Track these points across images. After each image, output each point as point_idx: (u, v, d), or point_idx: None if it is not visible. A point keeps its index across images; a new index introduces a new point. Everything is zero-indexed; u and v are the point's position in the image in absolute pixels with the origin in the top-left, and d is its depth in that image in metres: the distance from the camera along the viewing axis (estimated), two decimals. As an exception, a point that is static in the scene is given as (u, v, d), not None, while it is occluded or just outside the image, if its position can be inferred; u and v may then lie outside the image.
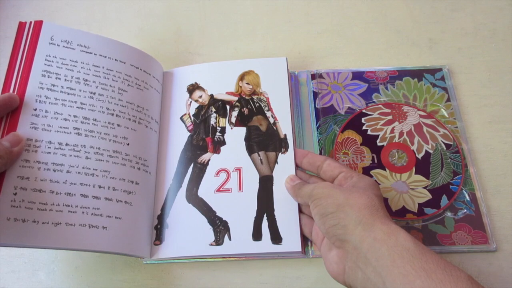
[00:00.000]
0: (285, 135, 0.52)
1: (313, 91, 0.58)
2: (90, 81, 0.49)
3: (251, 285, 0.48)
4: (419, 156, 0.52)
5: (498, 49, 0.61)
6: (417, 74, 0.59)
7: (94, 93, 0.48)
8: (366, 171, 0.52)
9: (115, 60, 0.51)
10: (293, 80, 0.59)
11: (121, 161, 0.47)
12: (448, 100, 0.56)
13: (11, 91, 0.45)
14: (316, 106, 0.57)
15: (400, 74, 0.59)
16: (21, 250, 0.50)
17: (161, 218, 0.49)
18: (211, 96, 0.55)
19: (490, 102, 0.57)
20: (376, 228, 0.37)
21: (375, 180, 0.51)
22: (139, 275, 0.49)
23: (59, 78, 0.47)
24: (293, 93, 0.58)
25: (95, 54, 0.50)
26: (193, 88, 0.56)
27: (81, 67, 0.49)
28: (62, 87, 0.47)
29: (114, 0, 0.69)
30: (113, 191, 0.46)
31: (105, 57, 0.51)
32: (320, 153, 0.53)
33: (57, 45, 0.49)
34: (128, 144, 0.48)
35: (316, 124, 0.55)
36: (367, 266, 0.36)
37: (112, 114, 0.48)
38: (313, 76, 0.59)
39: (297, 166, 0.51)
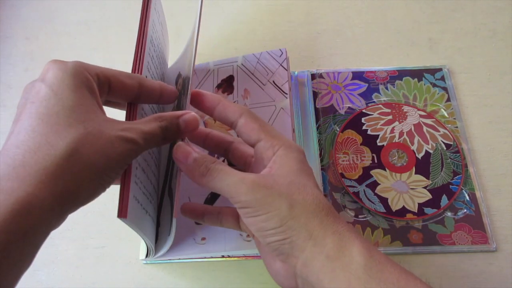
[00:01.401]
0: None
1: (313, 91, 0.58)
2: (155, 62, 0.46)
3: (251, 285, 0.48)
4: (419, 156, 0.52)
5: (498, 49, 0.61)
6: (417, 74, 0.59)
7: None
8: (366, 170, 0.52)
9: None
10: (293, 80, 0.59)
11: None
12: (448, 100, 0.56)
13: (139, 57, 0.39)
14: (316, 106, 0.57)
15: (400, 74, 0.59)
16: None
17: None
18: None
19: (490, 102, 0.57)
20: (328, 241, 0.31)
21: (371, 183, 0.51)
22: (139, 275, 0.49)
23: (155, 51, 0.43)
24: (293, 93, 0.58)
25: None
26: None
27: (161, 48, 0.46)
28: (154, 62, 0.43)
29: (114, 0, 0.69)
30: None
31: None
32: (320, 154, 0.53)
33: (157, 12, 0.44)
34: None
35: (316, 124, 0.55)
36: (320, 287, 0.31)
37: None
38: (313, 76, 0.59)
39: (210, 115, 0.40)
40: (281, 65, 0.54)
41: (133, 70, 0.38)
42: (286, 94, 0.51)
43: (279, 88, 0.52)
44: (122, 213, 0.32)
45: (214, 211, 0.41)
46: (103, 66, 0.34)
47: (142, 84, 0.35)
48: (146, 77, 0.39)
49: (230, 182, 0.33)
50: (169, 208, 0.41)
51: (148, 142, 0.32)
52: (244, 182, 0.32)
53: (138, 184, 0.36)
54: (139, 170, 0.36)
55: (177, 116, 0.35)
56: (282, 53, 0.54)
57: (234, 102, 0.44)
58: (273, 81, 0.53)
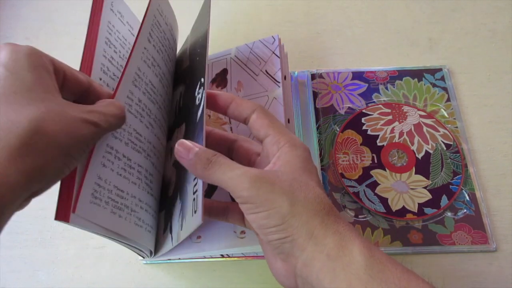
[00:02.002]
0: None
1: (313, 91, 0.58)
2: (168, 62, 0.46)
3: (251, 285, 0.48)
4: (419, 156, 0.52)
5: (498, 49, 0.61)
6: (417, 74, 0.59)
7: (165, 77, 0.46)
8: (366, 171, 0.52)
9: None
10: (293, 80, 0.59)
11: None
12: (448, 100, 0.56)
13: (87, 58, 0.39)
14: (316, 106, 0.57)
15: (400, 74, 0.59)
16: (21, 250, 0.50)
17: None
18: None
19: (490, 102, 0.57)
20: (329, 241, 0.31)
21: (371, 183, 0.51)
22: (139, 275, 0.49)
23: (116, 52, 0.42)
24: (293, 93, 0.58)
25: (172, 39, 0.47)
26: None
27: (166, 45, 0.46)
28: (117, 63, 0.42)
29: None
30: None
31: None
32: (320, 154, 0.53)
33: (115, 14, 0.44)
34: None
35: (316, 124, 0.55)
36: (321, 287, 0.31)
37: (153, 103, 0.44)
38: (313, 76, 0.59)
39: (224, 115, 0.41)
40: (273, 52, 0.52)
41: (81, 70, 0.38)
42: (279, 82, 0.50)
43: (272, 77, 0.51)
44: (61, 216, 0.32)
45: (220, 206, 0.41)
46: None
47: (91, 83, 0.35)
48: (101, 79, 0.39)
49: (232, 175, 0.33)
50: (178, 213, 0.41)
51: (110, 125, 0.32)
52: (246, 176, 0.32)
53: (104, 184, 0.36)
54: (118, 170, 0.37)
55: (104, 91, 0.36)
56: (275, 40, 0.53)
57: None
58: (266, 70, 0.51)
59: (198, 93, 0.41)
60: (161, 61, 0.45)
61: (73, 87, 0.33)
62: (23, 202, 0.28)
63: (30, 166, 0.26)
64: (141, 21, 0.42)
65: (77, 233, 0.51)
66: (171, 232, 0.42)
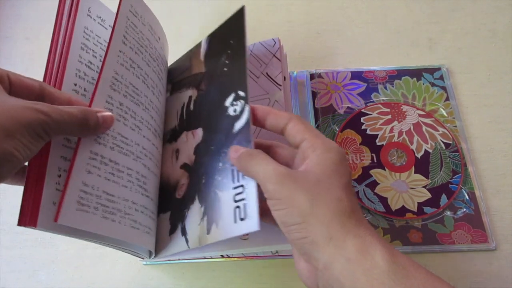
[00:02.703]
0: None
1: (312, 91, 0.58)
2: (151, 62, 0.46)
3: (251, 285, 0.48)
4: (419, 155, 0.52)
5: (498, 49, 0.61)
6: (416, 73, 0.59)
7: (149, 77, 0.46)
8: (366, 170, 0.52)
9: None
10: (292, 80, 0.59)
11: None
12: (447, 99, 0.56)
13: (55, 64, 0.39)
14: (315, 106, 0.57)
15: (399, 74, 0.59)
16: (21, 250, 0.50)
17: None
18: None
19: (490, 102, 0.57)
20: (349, 245, 0.31)
21: (370, 182, 0.51)
22: (139, 275, 0.49)
23: (95, 57, 0.43)
24: (292, 93, 0.58)
25: (154, 38, 0.48)
26: None
27: (147, 45, 0.46)
28: (97, 66, 0.43)
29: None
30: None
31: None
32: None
33: (94, 19, 0.44)
34: (160, 138, 0.47)
35: (315, 124, 0.55)
36: None
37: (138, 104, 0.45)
38: (312, 76, 0.59)
39: (262, 127, 0.42)
40: (274, 55, 0.52)
41: (45, 77, 0.38)
42: (280, 85, 0.50)
43: (273, 79, 0.51)
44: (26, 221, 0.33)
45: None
46: None
47: (44, 88, 0.35)
48: (76, 84, 0.39)
49: (265, 169, 0.34)
50: (197, 217, 0.41)
51: (64, 120, 0.32)
52: (275, 171, 0.34)
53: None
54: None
55: (96, 111, 0.36)
56: (275, 42, 0.53)
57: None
58: (267, 73, 0.52)
59: (234, 105, 0.42)
60: (141, 61, 0.45)
61: (22, 92, 0.34)
62: None
63: None
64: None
65: (77, 233, 0.51)
66: (184, 234, 0.42)
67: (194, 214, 0.42)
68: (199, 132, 0.46)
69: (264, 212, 0.39)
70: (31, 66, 0.63)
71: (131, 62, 0.43)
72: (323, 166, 0.35)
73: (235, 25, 0.46)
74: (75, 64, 0.40)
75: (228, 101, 0.43)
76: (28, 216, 0.32)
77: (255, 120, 0.40)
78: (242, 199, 0.38)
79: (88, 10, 0.43)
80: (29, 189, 0.33)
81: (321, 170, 0.34)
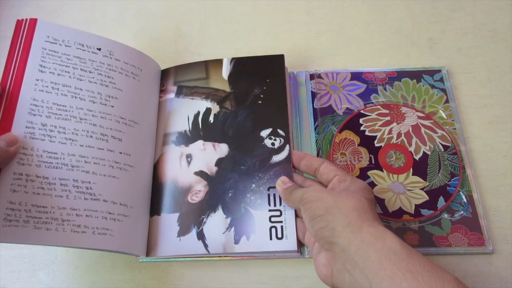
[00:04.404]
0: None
1: (312, 91, 0.58)
2: (84, 76, 0.49)
3: (251, 285, 0.48)
4: (417, 157, 0.53)
5: (498, 49, 0.61)
6: (416, 75, 0.58)
7: (84, 90, 0.49)
8: (364, 171, 0.52)
9: (110, 57, 0.52)
10: (292, 80, 0.59)
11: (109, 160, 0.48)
12: (447, 101, 0.56)
13: (7, 87, 0.46)
14: (314, 106, 0.57)
15: (399, 75, 0.59)
16: (21, 250, 0.51)
17: None
18: None
19: (490, 102, 0.57)
20: (364, 231, 0.37)
21: (368, 184, 0.52)
22: (139, 275, 0.49)
23: (53, 73, 0.48)
24: (292, 93, 0.58)
25: (89, 51, 0.51)
26: None
27: (76, 62, 0.50)
28: (58, 84, 0.48)
29: (114, 0, 0.69)
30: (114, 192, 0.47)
31: (100, 54, 0.52)
32: (318, 154, 0.54)
33: (53, 43, 0.49)
34: (120, 140, 0.49)
35: (314, 124, 0.55)
36: (354, 268, 0.36)
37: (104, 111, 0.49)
38: (312, 76, 0.59)
39: (294, 168, 0.50)
40: None
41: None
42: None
43: None
44: None
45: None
46: None
47: None
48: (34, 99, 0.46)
49: (299, 193, 0.44)
50: (221, 226, 0.48)
51: None
52: (311, 188, 0.44)
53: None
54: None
55: None
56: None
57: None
58: None
59: (272, 139, 0.51)
60: (68, 80, 0.48)
61: None
62: None
63: None
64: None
65: (77, 233, 0.52)
66: (201, 239, 0.48)
67: (217, 223, 0.48)
68: (224, 147, 0.52)
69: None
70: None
71: (53, 85, 0.47)
72: (350, 188, 0.43)
73: (272, 67, 0.55)
74: (32, 86, 0.46)
75: (264, 133, 0.52)
76: None
77: (292, 163, 0.50)
78: (279, 222, 0.47)
79: (47, 37, 0.49)
80: None
81: (347, 188, 0.43)
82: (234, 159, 0.51)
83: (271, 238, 0.46)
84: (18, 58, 0.47)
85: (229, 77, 0.56)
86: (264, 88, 0.54)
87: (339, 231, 0.38)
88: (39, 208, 0.42)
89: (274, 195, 0.49)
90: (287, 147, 0.50)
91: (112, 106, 0.50)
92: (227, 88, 0.55)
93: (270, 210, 0.48)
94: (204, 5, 0.68)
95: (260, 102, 0.54)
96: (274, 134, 0.52)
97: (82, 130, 0.47)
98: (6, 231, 0.40)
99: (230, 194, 0.49)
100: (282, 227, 0.47)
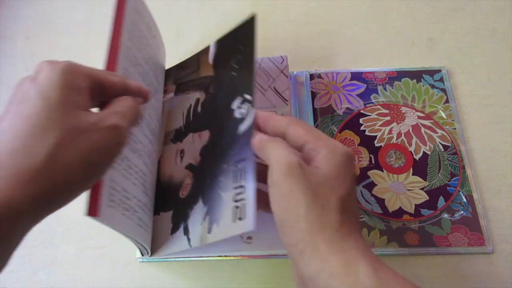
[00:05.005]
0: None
1: (312, 91, 0.58)
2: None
3: (251, 285, 0.48)
4: (417, 157, 0.53)
5: (498, 49, 0.61)
6: (416, 75, 0.58)
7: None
8: (364, 171, 0.52)
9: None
10: (292, 80, 0.59)
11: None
12: (447, 101, 0.56)
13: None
14: (314, 106, 0.57)
15: (399, 75, 0.59)
16: (21, 250, 0.50)
17: None
18: None
19: (490, 102, 0.57)
20: (333, 259, 0.30)
21: (368, 184, 0.51)
22: (139, 275, 0.49)
23: (140, 49, 0.45)
24: (292, 93, 0.58)
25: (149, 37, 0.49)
26: None
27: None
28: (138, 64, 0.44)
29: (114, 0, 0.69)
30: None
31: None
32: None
33: (139, 12, 0.46)
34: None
35: (314, 124, 0.55)
36: None
37: None
38: (312, 76, 0.59)
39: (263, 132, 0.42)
40: (282, 72, 0.55)
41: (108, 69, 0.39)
42: (287, 100, 0.52)
43: (280, 94, 0.53)
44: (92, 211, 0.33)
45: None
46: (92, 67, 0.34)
47: (125, 81, 0.36)
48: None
49: (279, 153, 0.34)
50: (199, 217, 0.42)
51: (130, 120, 0.33)
52: (287, 159, 0.33)
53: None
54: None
55: (137, 86, 0.37)
56: (283, 60, 0.55)
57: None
58: (274, 87, 0.54)
59: (240, 108, 0.43)
60: (141, 59, 0.45)
61: (111, 93, 0.34)
62: (34, 223, 0.29)
63: (40, 192, 0.27)
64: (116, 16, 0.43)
65: (77, 233, 0.51)
66: (186, 234, 0.44)
67: (197, 214, 0.43)
68: (206, 134, 0.47)
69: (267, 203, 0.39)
70: (31, 66, 0.62)
71: (135, 60, 0.43)
72: (327, 171, 0.34)
73: (245, 32, 0.47)
74: (124, 60, 0.41)
75: (235, 104, 0.44)
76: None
77: (257, 125, 0.40)
78: (242, 199, 0.38)
79: (135, 5, 0.45)
80: None
81: (324, 174, 0.34)
82: (213, 143, 0.46)
83: (234, 220, 0.39)
84: (120, 27, 0.42)
85: (213, 60, 0.52)
86: (238, 57, 0.48)
87: (308, 257, 0.31)
88: (125, 193, 0.39)
89: (241, 170, 0.40)
90: (252, 111, 0.41)
91: (155, 100, 0.48)
92: (212, 72, 0.51)
93: (234, 188, 0.40)
94: (204, 5, 0.68)
95: (234, 73, 0.47)
96: (242, 102, 0.44)
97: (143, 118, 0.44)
98: (109, 212, 0.35)
99: (207, 181, 0.44)
100: (243, 205, 0.39)
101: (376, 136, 0.54)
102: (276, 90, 0.54)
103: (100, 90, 0.33)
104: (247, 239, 0.47)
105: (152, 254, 0.47)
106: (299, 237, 0.32)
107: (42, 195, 0.27)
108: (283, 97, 0.53)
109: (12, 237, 0.27)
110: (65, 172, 0.28)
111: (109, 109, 0.33)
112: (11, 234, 0.26)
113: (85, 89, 0.31)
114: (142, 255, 0.47)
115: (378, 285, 0.29)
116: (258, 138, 0.37)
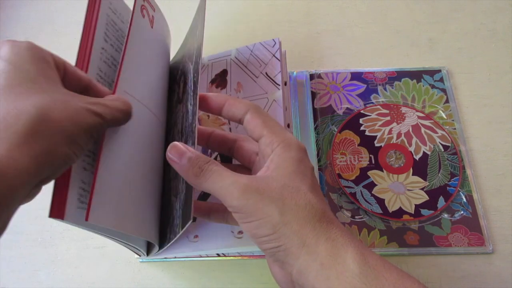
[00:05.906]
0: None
1: (312, 91, 0.58)
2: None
3: (251, 285, 0.48)
4: (417, 157, 0.53)
5: (498, 49, 0.61)
6: (416, 75, 0.59)
7: None
8: (364, 171, 0.52)
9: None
10: (292, 80, 0.59)
11: None
12: (447, 101, 0.56)
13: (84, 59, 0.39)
14: (314, 106, 0.57)
15: (399, 75, 0.59)
16: (21, 250, 0.51)
17: None
18: None
19: (490, 102, 0.57)
20: (321, 249, 0.30)
21: (368, 184, 0.51)
22: (139, 275, 0.49)
23: (112, 46, 0.43)
24: (292, 93, 0.58)
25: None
26: None
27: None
28: (116, 61, 0.43)
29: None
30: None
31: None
32: (318, 154, 0.53)
33: (113, 12, 0.45)
34: None
35: (314, 124, 0.55)
36: None
37: None
38: (312, 76, 0.59)
39: (217, 115, 0.41)
40: (274, 55, 0.53)
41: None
42: (279, 85, 0.50)
43: (272, 79, 0.51)
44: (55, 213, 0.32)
45: (220, 209, 0.41)
46: None
47: (91, 80, 0.35)
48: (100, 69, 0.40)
49: (222, 185, 0.32)
50: (172, 209, 0.41)
51: (115, 118, 0.33)
52: (236, 186, 0.32)
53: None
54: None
55: (105, 92, 0.36)
56: (275, 43, 0.53)
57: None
58: (266, 73, 0.52)
59: (176, 90, 0.41)
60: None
61: (74, 82, 0.34)
62: (33, 189, 0.28)
63: (38, 151, 0.26)
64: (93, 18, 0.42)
65: (77, 233, 0.51)
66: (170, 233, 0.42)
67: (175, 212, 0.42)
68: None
69: (213, 210, 0.40)
70: (32, 66, 0.63)
71: (112, 60, 0.43)
72: (285, 168, 0.33)
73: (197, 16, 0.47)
74: (96, 61, 0.40)
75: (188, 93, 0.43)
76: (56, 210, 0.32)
77: (211, 109, 0.38)
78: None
79: (110, 4, 0.44)
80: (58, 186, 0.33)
81: (283, 173, 0.33)
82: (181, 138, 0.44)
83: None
84: (92, 21, 0.41)
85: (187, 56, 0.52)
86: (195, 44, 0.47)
87: (295, 253, 0.31)
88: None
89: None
90: (190, 93, 0.39)
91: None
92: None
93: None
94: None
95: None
96: (185, 85, 0.42)
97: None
98: (79, 214, 0.34)
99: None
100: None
101: (376, 136, 0.54)
102: (268, 76, 0.52)
103: (63, 71, 0.33)
104: (238, 234, 0.46)
105: (148, 253, 0.47)
106: (282, 241, 0.31)
107: (41, 154, 0.27)
108: (275, 82, 0.51)
109: (12, 199, 0.26)
110: (59, 132, 0.28)
111: (99, 100, 0.32)
112: (12, 196, 0.26)
113: (53, 66, 0.31)
114: (139, 255, 0.46)
115: (365, 270, 0.30)
116: (190, 173, 0.34)
